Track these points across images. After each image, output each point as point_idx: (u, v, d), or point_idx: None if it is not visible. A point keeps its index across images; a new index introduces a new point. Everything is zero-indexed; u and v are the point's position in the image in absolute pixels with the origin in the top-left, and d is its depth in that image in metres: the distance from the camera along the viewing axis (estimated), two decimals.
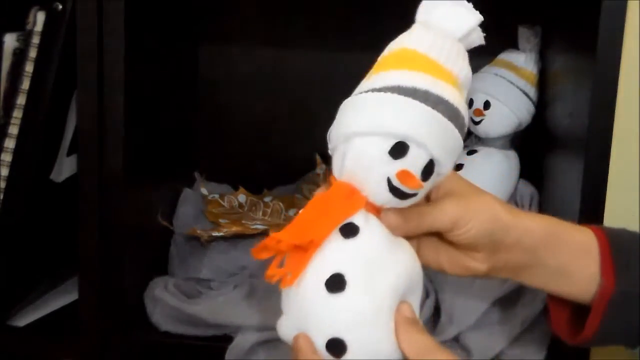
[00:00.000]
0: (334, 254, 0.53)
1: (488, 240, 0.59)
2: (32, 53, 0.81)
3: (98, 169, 0.80)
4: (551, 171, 0.92)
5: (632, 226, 0.65)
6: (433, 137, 0.52)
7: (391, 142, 0.52)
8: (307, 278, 0.53)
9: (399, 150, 0.52)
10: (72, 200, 0.82)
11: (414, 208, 0.56)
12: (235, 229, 0.93)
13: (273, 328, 0.56)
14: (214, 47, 1.09)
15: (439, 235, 0.60)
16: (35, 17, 0.81)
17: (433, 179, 0.54)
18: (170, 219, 0.95)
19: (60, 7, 0.80)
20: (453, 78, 0.54)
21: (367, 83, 0.55)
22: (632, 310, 0.60)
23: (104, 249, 0.82)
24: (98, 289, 0.82)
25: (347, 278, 0.52)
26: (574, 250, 0.61)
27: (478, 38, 0.56)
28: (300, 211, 0.54)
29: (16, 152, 0.82)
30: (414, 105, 0.52)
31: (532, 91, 0.97)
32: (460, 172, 0.95)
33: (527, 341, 0.81)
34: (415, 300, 0.56)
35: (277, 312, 0.56)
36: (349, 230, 0.54)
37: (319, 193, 0.57)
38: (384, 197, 0.54)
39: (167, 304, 0.85)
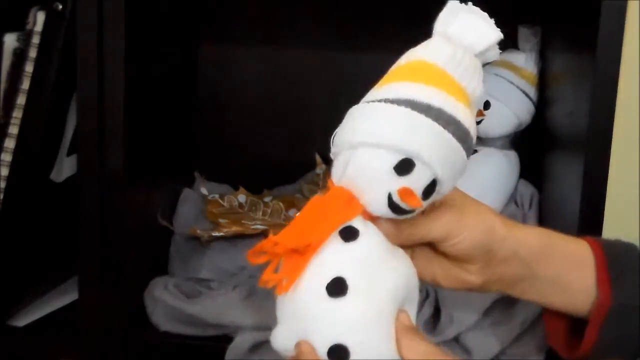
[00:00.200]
0: (334, 258, 0.52)
1: (483, 252, 0.58)
2: (32, 53, 0.81)
3: (98, 169, 0.80)
4: (551, 171, 0.92)
5: (632, 226, 0.65)
6: (440, 158, 0.52)
7: (398, 158, 0.51)
8: (305, 283, 0.52)
9: (404, 167, 0.51)
10: (72, 200, 0.82)
11: (407, 218, 0.55)
12: (235, 229, 0.93)
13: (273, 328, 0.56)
14: (214, 47, 1.08)
15: (432, 247, 0.59)
16: (35, 17, 0.81)
17: (433, 197, 0.53)
18: (170, 219, 0.95)
19: (60, 7, 0.80)
20: (467, 96, 0.53)
21: (379, 92, 0.53)
22: (629, 323, 0.60)
23: (104, 249, 0.82)
24: (98, 289, 0.82)
25: (349, 282, 0.51)
26: (569, 262, 0.60)
27: (494, 55, 0.55)
28: (297, 214, 0.53)
29: (16, 152, 0.82)
30: (426, 123, 0.51)
31: (532, 91, 0.97)
32: None
33: (527, 341, 0.81)
34: (412, 310, 0.55)
35: None
36: (349, 234, 0.53)
37: (316, 197, 0.55)
38: (381, 210, 0.53)
39: (167, 304, 0.85)
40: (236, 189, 1.03)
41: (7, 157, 0.82)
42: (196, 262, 0.93)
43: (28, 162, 0.83)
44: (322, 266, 0.52)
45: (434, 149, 0.51)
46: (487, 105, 0.96)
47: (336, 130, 0.55)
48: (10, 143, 0.82)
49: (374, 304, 0.51)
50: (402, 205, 0.52)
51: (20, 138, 0.82)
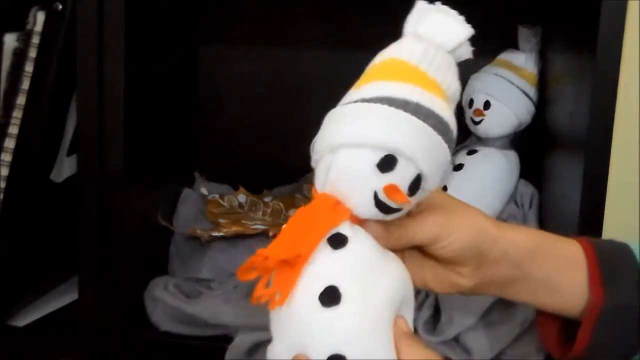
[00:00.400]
0: (324, 266, 0.51)
1: (474, 254, 0.58)
2: (32, 53, 0.81)
3: (98, 169, 0.80)
4: (551, 171, 0.92)
5: (632, 226, 0.65)
6: (422, 152, 0.51)
7: (380, 155, 0.51)
8: (298, 295, 0.51)
9: (387, 163, 0.51)
10: (72, 200, 0.82)
11: (396, 220, 0.54)
12: (235, 229, 0.93)
13: None
14: (214, 47, 1.09)
15: (423, 252, 0.59)
16: (35, 17, 0.81)
17: (419, 194, 0.53)
18: (170, 219, 0.95)
19: (60, 7, 0.80)
20: (442, 91, 0.53)
21: (356, 93, 0.53)
22: (622, 323, 0.59)
23: (104, 249, 0.82)
24: (98, 289, 0.82)
25: (342, 290, 0.50)
26: (560, 262, 0.60)
27: (467, 52, 0.55)
28: (284, 227, 0.52)
29: (16, 152, 0.82)
30: (405, 117, 0.51)
31: (532, 91, 0.97)
32: (460, 172, 0.95)
33: (527, 341, 0.81)
34: (409, 314, 0.54)
35: None
36: (338, 241, 0.52)
37: (302, 207, 0.54)
38: (369, 211, 0.52)
39: (167, 303, 0.85)
40: (236, 189, 1.03)
41: (7, 157, 0.82)
42: (196, 262, 0.93)
43: (28, 162, 0.83)
44: (314, 276, 0.51)
45: (415, 143, 0.51)
46: (487, 105, 0.96)
47: (315, 137, 0.54)
48: (10, 143, 0.82)
49: (370, 311, 0.51)
50: (389, 203, 0.51)
51: (20, 138, 0.82)
